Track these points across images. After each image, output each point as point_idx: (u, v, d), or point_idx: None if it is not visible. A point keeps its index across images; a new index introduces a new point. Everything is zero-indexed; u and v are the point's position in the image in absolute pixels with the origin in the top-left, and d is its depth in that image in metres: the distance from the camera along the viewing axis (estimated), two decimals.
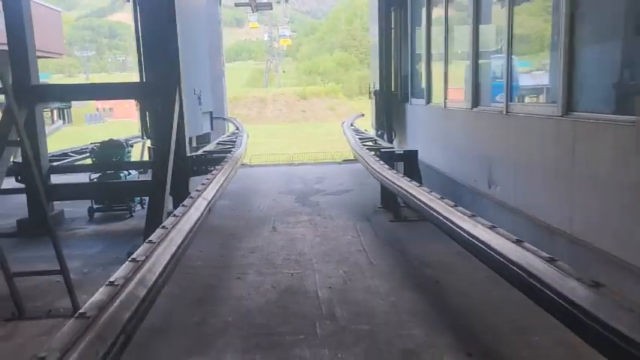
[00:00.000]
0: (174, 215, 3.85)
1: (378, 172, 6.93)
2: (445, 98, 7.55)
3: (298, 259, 5.44)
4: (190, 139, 11.54)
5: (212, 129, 12.22)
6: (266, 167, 12.50)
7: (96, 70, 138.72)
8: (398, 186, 5.97)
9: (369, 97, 11.60)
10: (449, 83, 7.62)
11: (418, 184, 5.61)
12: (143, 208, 8.16)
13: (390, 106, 10.48)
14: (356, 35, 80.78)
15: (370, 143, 10.17)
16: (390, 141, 10.78)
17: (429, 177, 7.99)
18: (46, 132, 14.04)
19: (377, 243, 6.04)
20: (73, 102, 57.48)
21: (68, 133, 46.38)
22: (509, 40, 5.37)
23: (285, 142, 38.32)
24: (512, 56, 5.37)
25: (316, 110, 56.56)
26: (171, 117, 6.86)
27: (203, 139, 12.10)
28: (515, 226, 5.18)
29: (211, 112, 12.13)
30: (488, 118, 6.04)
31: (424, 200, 4.90)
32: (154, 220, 5.90)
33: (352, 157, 14.05)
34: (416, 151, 7.60)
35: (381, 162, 7.33)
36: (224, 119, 16.47)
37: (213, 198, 4.73)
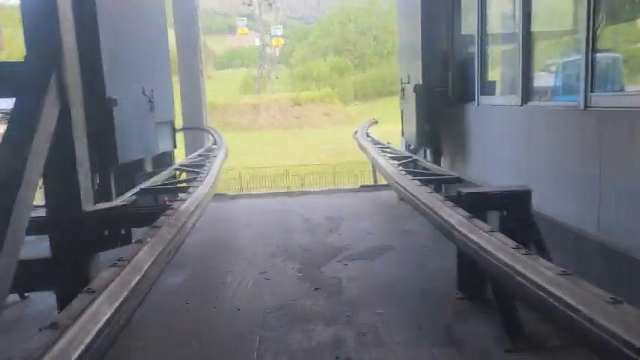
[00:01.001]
0: None
1: (467, 239, 3.24)
2: (589, 91, 3.79)
3: None
4: (142, 162, 7.76)
5: (175, 145, 8.41)
6: (253, 199, 8.59)
7: None
8: (527, 279, 2.35)
9: (401, 98, 7.80)
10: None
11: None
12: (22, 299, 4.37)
13: (436, 110, 6.75)
14: (350, 39, 77.19)
15: (402, 163, 6.46)
16: (437, 161, 7.01)
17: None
18: None
19: None
20: None
21: None
22: None
23: (280, 151, 34.53)
24: None
25: (311, 116, 52.82)
26: (30, 131, 3.06)
27: (162, 161, 8.31)
28: None
29: (172, 123, 8.33)
30: None
31: None
32: None
33: (372, 182, 10.27)
34: (528, 193, 3.85)
35: (457, 208, 3.67)
36: (202, 130, 12.69)
37: None
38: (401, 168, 5.77)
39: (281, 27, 59.69)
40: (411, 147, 8.33)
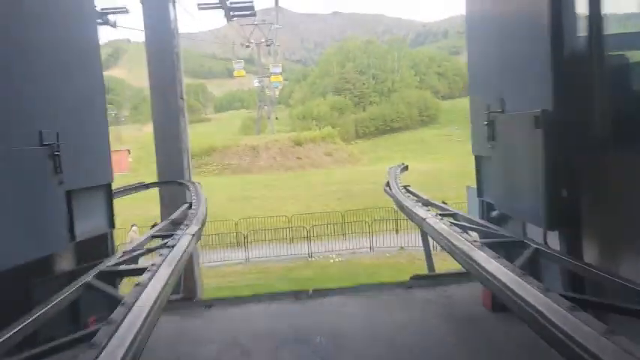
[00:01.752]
0: None
1: None
2: None
3: None
4: (52, 258, 4.44)
5: (113, 224, 5.09)
6: (239, 309, 5.09)
7: None
8: None
9: (487, 136, 4.42)
10: None
11: None
12: None
13: (578, 158, 3.51)
14: (349, 78, 75.37)
15: (521, 264, 3.20)
16: (575, 251, 3.71)
17: None
18: None
19: None
20: None
21: None
22: None
23: (282, 195, 31.23)
24: None
25: (313, 157, 49.85)
26: None
27: (95, 250, 5.00)
28: None
29: (109, 187, 5.05)
30: None
31: None
32: None
33: (425, 272, 6.87)
34: None
35: None
36: (179, 184, 9.42)
37: None
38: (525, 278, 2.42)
39: (280, 65, 57.30)
40: (493, 214, 5.06)
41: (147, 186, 9.60)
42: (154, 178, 9.64)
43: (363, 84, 75.31)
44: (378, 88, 75.66)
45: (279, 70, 55.41)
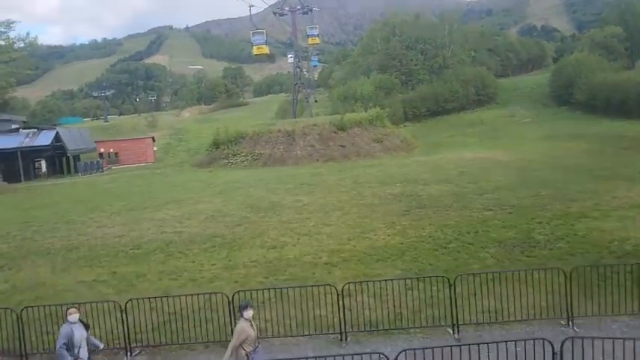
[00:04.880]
0: None
1: None
2: None
3: None
4: None
5: None
6: None
7: (129, 111, 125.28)
8: None
9: None
10: None
11: None
12: None
13: None
14: (396, 54, 63.28)
15: None
16: None
17: None
18: None
19: None
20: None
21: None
22: None
23: (322, 203, 20.44)
24: None
25: (359, 144, 38.80)
26: None
27: None
28: None
29: None
30: None
31: None
32: None
33: None
34: None
35: None
36: None
37: None
38: None
39: (317, 27, 45.70)
40: None
41: None
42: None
43: (411, 60, 63.00)
44: (428, 65, 63.28)
45: (316, 32, 43.91)
